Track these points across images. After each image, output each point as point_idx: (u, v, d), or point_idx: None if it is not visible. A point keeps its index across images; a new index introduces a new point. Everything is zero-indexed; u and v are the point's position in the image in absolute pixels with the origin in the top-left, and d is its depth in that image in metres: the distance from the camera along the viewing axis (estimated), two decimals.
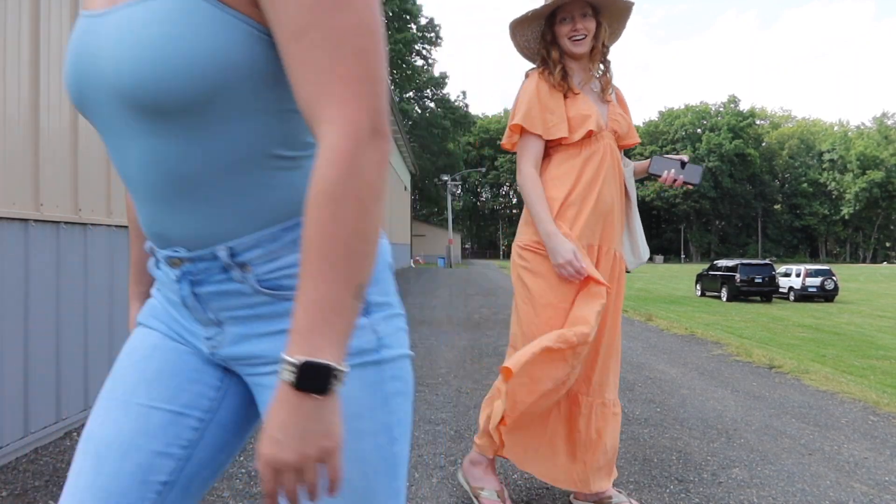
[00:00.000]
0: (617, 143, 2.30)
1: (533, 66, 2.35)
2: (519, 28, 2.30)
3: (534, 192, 2.21)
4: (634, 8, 2.25)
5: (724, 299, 22.42)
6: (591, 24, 2.21)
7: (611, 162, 2.25)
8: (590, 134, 2.20)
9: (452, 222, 49.05)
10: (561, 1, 2.16)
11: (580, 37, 2.20)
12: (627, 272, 2.41)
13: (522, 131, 2.25)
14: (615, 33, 2.34)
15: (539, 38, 2.29)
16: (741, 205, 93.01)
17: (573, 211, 2.21)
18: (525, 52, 2.37)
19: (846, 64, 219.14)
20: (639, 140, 2.40)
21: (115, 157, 0.81)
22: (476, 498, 2.36)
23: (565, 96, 2.22)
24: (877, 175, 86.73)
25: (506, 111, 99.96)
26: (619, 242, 2.33)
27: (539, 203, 2.19)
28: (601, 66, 2.32)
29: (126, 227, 3.82)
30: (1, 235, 2.77)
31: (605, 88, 2.30)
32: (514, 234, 2.62)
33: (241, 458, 2.93)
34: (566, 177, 2.23)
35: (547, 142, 2.25)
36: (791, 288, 23.38)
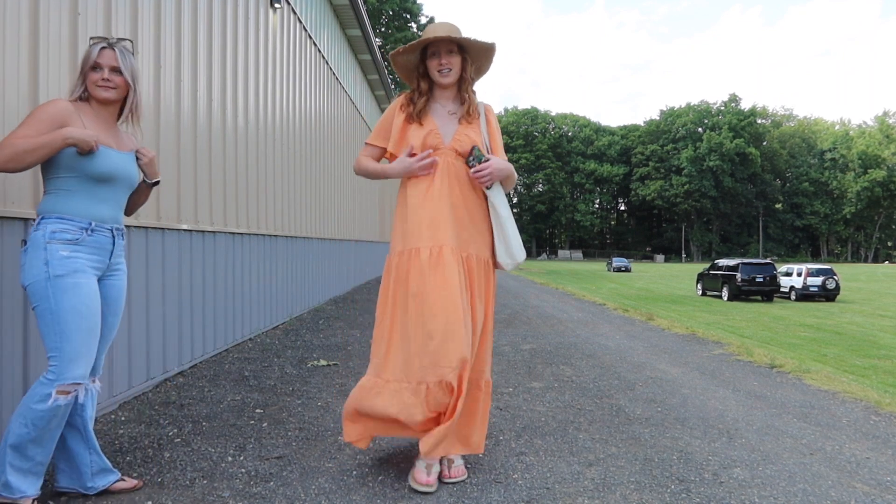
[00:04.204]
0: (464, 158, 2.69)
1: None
2: (399, 57, 2.74)
3: (369, 166, 2.78)
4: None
5: (726, 299, 22.41)
6: (456, 60, 2.69)
7: (446, 174, 2.66)
8: (424, 150, 2.67)
9: None
10: (428, 40, 2.63)
11: (446, 70, 2.67)
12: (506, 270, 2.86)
13: (380, 149, 2.81)
14: (481, 69, 2.80)
15: (415, 68, 2.74)
16: (742, 204, 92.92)
17: (411, 211, 2.67)
18: (405, 76, 2.82)
19: (849, 62, 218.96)
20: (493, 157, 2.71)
21: None
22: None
23: (410, 121, 2.71)
24: (878, 174, 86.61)
25: (506, 110, 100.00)
26: (475, 245, 2.70)
27: (374, 167, 2.77)
28: (466, 95, 2.74)
29: (126, 226, 3.81)
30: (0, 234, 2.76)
31: (466, 113, 2.72)
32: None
33: (242, 458, 2.92)
34: (406, 185, 2.73)
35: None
36: (792, 287, 23.36)
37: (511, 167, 2.75)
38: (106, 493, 2.50)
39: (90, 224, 2.32)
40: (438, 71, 2.66)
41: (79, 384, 2.26)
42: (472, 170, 2.63)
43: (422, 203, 2.65)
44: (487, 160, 2.63)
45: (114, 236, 2.42)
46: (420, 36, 2.75)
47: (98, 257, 2.36)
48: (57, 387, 2.21)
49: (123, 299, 2.53)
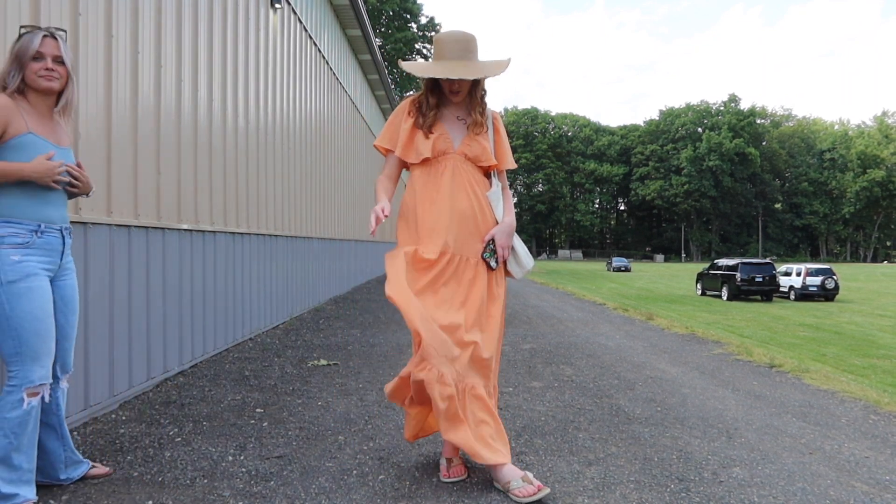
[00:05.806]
0: (474, 163, 2.74)
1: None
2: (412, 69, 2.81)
3: (378, 186, 2.77)
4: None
5: (725, 298, 22.42)
6: (467, 81, 2.67)
7: (455, 177, 2.69)
8: (434, 157, 2.70)
9: None
10: (434, 75, 2.61)
11: (457, 91, 2.70)
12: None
13: (385, 150, 2.80)
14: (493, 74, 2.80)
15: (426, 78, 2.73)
16: (742, 204, 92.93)
17: (413, 209, 2.73)
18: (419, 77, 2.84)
19: (850, 62, 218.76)
20: (495, 162, 2.80)
21: None
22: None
23: (418, 126, 2.72)
24: (877, 174, 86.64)
25: (506, 110, 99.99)
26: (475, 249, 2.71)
27: (379, 190, 2.75)
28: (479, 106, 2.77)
29: (127, 226, 3.82)
30: None
31: (475, 122, 2.74)
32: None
33: (242, 458, 2.93)
34: (415, 186, 2.74)
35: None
36: (792, 287, 23.38)
37: (511, 218, 2.81)
38: (105, 490, 2.50)
39: (39, 226, 2.31)
40: (450, 91, 2.70)
41: (44, 384, 2.31)
42: (495, 263, 2.72)
43: (429, 207, 2.68)
44: (493, 249, 2.71)
45: (63, 236, 2.42)
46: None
47: (49, 258, 2.36)
48: (26, 390, 2.24)
49: (78, 298, 2.55)
